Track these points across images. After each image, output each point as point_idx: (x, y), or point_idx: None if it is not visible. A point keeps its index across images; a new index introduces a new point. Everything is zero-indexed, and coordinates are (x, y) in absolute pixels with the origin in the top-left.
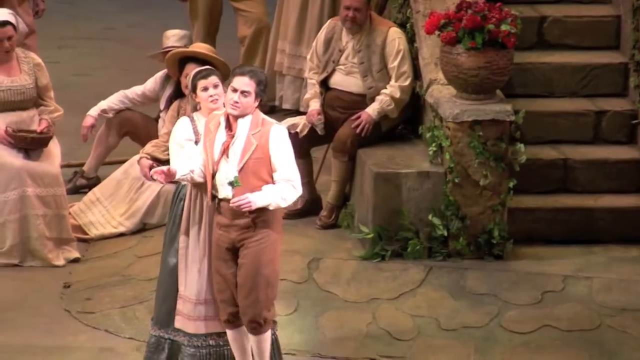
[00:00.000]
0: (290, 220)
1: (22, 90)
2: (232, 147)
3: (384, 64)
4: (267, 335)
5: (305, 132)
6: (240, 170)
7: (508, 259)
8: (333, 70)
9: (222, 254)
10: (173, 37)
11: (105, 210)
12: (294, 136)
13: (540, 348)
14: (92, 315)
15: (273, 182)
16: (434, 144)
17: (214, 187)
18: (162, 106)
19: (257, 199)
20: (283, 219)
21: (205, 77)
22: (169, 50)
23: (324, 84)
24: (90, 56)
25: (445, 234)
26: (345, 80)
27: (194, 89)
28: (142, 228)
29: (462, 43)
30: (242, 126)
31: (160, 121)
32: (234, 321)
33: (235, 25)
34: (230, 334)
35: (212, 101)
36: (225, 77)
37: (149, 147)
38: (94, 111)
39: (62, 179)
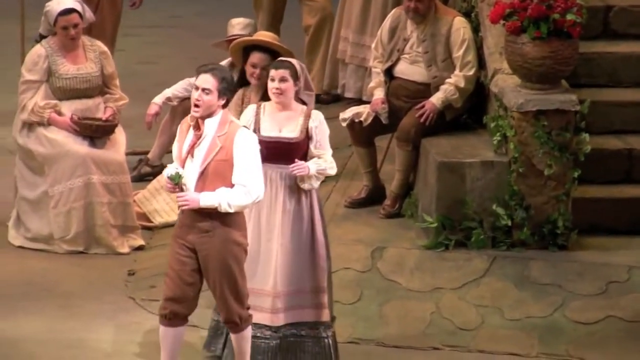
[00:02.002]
0: (354, 209)
1: (88, 78)
2: (198, 147)
3: (448, 53)
4: (246, 334)
5: (369, 121)
6: (203, 171)
7: (572, 249)
8: (398, 59)
9: (180, 251)
10: (238, 26)
11: (170, 198)
12: (358, 125)
13: (604, 339)
14: (157, 302)
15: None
16: (498, 134)
17: (180, 188)
18: None
19: (199, 199)
20: (346, 208)
21: (275, 67)
22: (234, 39)
23: (389, 72)
24: (156, 44)
25: (509, 223)
26: (410, 70)
27: (267, 75)
28: None
29: (527, 32)
30: (209, 127)
31: None
32: (172, 318)
33: (299, 14)
34: (163, 331)
35: (273, 93)
36: None
37: None
38: (158, 99)
39: (126, 166)
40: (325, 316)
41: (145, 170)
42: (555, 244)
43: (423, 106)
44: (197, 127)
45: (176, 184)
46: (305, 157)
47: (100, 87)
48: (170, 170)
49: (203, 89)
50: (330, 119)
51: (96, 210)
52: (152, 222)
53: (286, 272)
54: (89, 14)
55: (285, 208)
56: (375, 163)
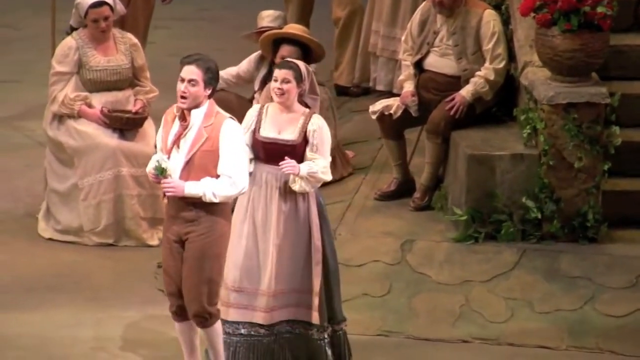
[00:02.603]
0: (384, 202)
1: (118, 71)
2: (184, 138)
3: (478, 46)
4: (216, 329)
5: (399, 114)
6: (188, 161)
7: (602, 242)
8: (427, 52)
9: (170, 246)
10: (267, 18)
11: None
12: (387, 117)
13: (634, 332)
14: None
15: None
16: (528, 127)
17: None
18: (256, 87)
19: (184, 187)
20: (376, 200)
21: (279, 67)
22: (263, 31)
23: (418, 65)
24: (185, 37)
25: (539, 216)
26: (440, 62)
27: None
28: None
29: (558, 25)
30: (196, 117)
31: (254, 102)
32: (181, 314)
33: (329, 7)
34: (177, 326)
35: (275, 93)
36: (320, 58)
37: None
38: None
39: None
40: (316, 319)
41: None
42: (585, 236)
43: (453, 99)
44: (183, 117)
45: (161, 174)
46: (302, 161)
47: (130, 80)
48: (155, 161)
49: (189, 81)
50: (360, 112)
51: (126, 202)
52: None
53: (281, 272)
54: (120, 7)
55: (280, 209)
56: (405, 156)
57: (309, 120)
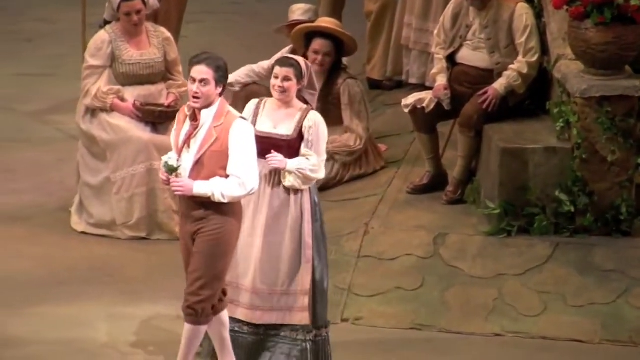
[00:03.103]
0: (416, 195)
1: (151, 64)
2: (194, 137)
3: (511, 39)
4: (201, 330)
5: (431, 107)
6: (197, 161)
7: (636, 235)
8: (460, 46)
9: (185, 243)
10: (298, 11)
11: None
12: (420, 111)
13: None
14: None
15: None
16: (561, 120)
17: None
18: None
19: (193, 186)
20: (408, 194)
21: (280, 65)
22: (294, 24)
23: (451, 59)
24: (217, 31)
25: (572, 210)
26: (472, 56)
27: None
28: None
29: (591, 18)
30: (206, 117)
31: None
32: None
33: (361, 0)
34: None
35: (275, 90)
36: (352, 52)
37: None
38: None
39: None
40: (305, 320)
41: None
42: (619, 230)
43: (486, 92)
44: (194, 117)
45: (171, 173)
46: (296, 156)
47: (163, 73)
48: (166, 160)
49: (200, 80)
50: (393, 105)
51: (158, 196)
52: None
53: (266, 269)
54: (152, 1)
55: (271, 205)
56: (438, 149)
57: (306, 116)
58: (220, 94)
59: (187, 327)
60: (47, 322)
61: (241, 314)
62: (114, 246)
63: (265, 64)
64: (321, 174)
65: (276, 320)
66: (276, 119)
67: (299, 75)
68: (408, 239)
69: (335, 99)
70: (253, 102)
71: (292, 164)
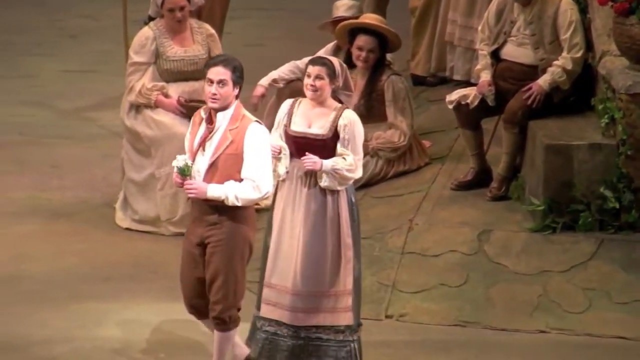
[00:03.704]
0: (460, 192)
1: (195, 61)
2: (210, 140)
3: (555, 35)
4: (231, 335)
5: (475, 104)
6: (212, 164)
7: None
8: (504, 42)
9: (189, 249)
10: (342, 7)
11: (277, 180)
12: (464, 107)
13: None
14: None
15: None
16: (606, 116)
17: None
18: None
19: (207, 189)
20: (453, 190)
21: (313, 64)
22: (338, 20)
23: (495, 55)
24: (262, 27)
25: (617, 206)
26: (517, 52)
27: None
28: None
29: (636, 14)
30: (222, 120)
31: None
32: (199, 315)
33: None
34: (203, 323)
35: (307, 89)
36: (396, 48)
37: None
38: (264, 81)
39: None
40: (349, 319)
41: None
42: None
43: (530, 88)
44: (210, 120)
45: (185, 176)
46: (332, 156)
47: None
48: (179, 162)
49: (218, 82)
50: (437, 102)
51: None
52: (258, 204)
53: (307, 271)
54: None
55: (308, 206)
56: (482, 145)
57: (341, 114)
58: (237, 96)
59: (217, 334)
60: (92, 318)
61: (282, 316)
62: (158, 242)
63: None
64: (358, 174)
65: (319, 322)
66: (311, 118)
67: (332, 75)
68: (452, 236)
69: (379, 95)
70: (288, 102)
71: (327, 164)
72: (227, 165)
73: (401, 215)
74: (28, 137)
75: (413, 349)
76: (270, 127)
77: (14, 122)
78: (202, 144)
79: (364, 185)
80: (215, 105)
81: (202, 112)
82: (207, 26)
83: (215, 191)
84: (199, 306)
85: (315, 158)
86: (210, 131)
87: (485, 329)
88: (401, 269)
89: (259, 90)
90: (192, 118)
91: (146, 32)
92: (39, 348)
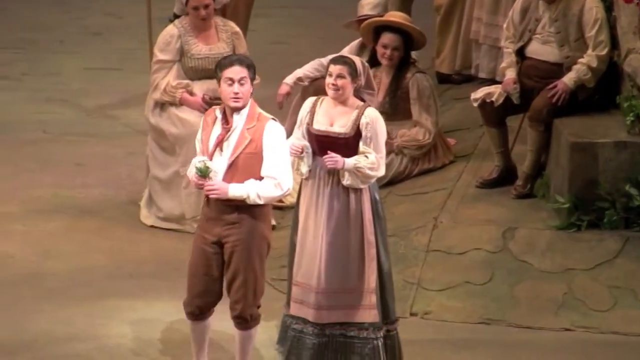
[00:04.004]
0: (485, 189)
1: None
2: (227, 140)
3: (581, 33)
4: (252, 334)
5: (500, 101)
6: (231, 165)
7: None
8: (529, 39)
9: (203, 247)
10: (367, 6)
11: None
12: (489, 105)
13: None
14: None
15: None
16: (631, 114)
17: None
18: None
19: (229, 189)
20: (477, 188)
21: (334, 62)
22: (364, 19)
23: (520, 52)
24: (287, 25)
25: None
26: (542, 49)
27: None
28: None
29: None
30: (238, 120)
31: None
32: (199, 314)
33: None
34: (194, 325)
35: (329, 88)
36: (422, 46)
37: None
38: (289, 79)
39: None
40: (374, 317)
41: None
42: None
43: (555, 86)
44: (226, 120)
45: (205, 177)
46: (355, 154)
47: None
48: (198, 163)
49: (239, 80)
50: (462, 99)
51: None
52: (282, 202)
53: (331, 270)
54: None
55: (331, 205)
56: (507, 143)
57: (363, 112)
58: (251, 94)
59: (239, 333)
60: (116, 315)
61: (307, 314)
62: (183, 240)
63: None
64: (381, 172)
65: (341, 318)
66: (333, 117)
67: (354, 74)
68: (477, 233)
69: (404, 93)
70: (310, 100)
71: (349, 162)
72: (247, 165)
73: (426, 213)
74: (52, 135)
75: (438, 347)
76: (294, 126)
77: (39, 119)
78: (219, 145)
79: (388, 183)
80: (239, 104)
81: (216, 112)
82: (232, 24)
83: (236, 191)
84: (202, 305)
85: (337, 157)
86: (227, 131)
87: (510, 327)
88: (426, 266)
89: (283, 89)
90: (204, 118)
91: (171, 30)
92: (62, 345)
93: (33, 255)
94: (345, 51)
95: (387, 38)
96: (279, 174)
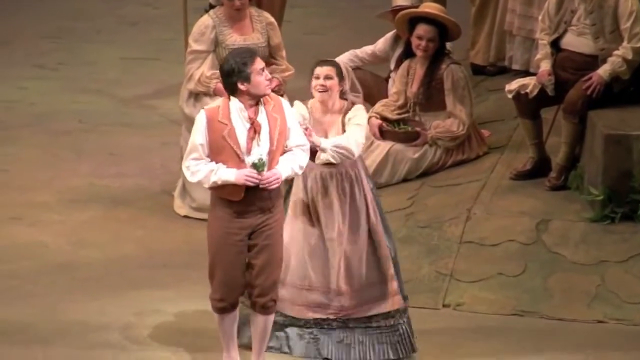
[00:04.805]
0: (519, 181)
1: (254, 49)
2: (260, 131)
3: (616, 25)
4: (272, 317)
5: (535, 93)
6: (275, 149)
7: None
8: (565, 31)
9: (236, 240)
10: None
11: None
12: (524, 96)
13: None
14: None
15: (285, 149)
16: None
17: None
18: (392, 66)
19: (282, 172)
20: (511, 180)
21: (320, 65)
22: (398, 10)
23: (555, 44)
24: (321, 16)
25: None
26: (577, 41)
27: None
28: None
29: None
30: (260, 107)
31: (390, 81)
32: (229, 307)
33: None
34: (224, 319)
35: (317, 90)
36: (456, 37)
37: (378, 107)
38: None
39: None
40: (398, 303)
41: None
42: None
43: (590, 78)
44: (250, 112)
45: (260, 171)
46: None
47: (266, 58)
48: (253, 157)
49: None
50: (496, 91)
51: None
52: None
53: (349, 270)
54: None
55: (341, 205)
56: (541, 135)
57: (349, 109)
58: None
59: (263, 319)
60: (148, 305)
61: (332, 314)
62: None
63: (369, 49)
64: (355, 150)
65: (367, 313)
66: (325, 128)
67: (340, 75)
68: (510, 225)
69: (438, 84)
70: (303, 106)
71: (326, 142)
72: (280, 143)
73: (459, 204)
74: (87, 125)
75: (470, 338)
76: None
77: (74, 109)
78: (254, 137)
79: (422, 174)
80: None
81: (231, 107)
82: (267, 14)
83: (286, 172)
84: (234, 298)
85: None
86: (253, 122)
87: (543, 319)
88: (459, 258)
89: None
90: (211, 120)
91: (206, 20)
92: (95, 335)
93: (67, 245)
94: (380, 43)
95: (422, 29)
96: (304, 140)
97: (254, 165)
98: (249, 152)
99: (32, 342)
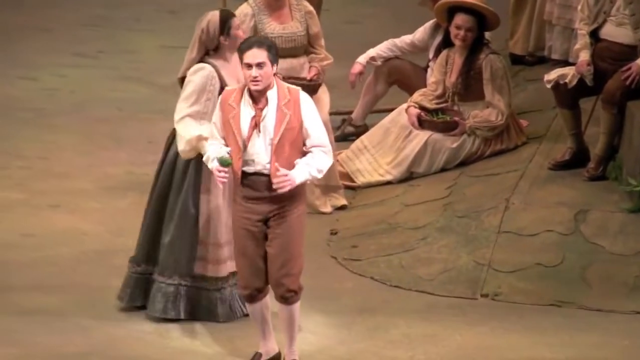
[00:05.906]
0: (558, 171)
1: (293, 38)
2: (263, 121)
3: None
4: (298, 305)
5: (574, 83)
6: (278, 143)
7: None
8: (604, 21)
9: (251, 227)
10: None
11: (373, 158)
12: (562, 86)
13: None
14: (358, 262)
15: (305, 149)
16: None
17: (244, 162)
18: (430, 55)
19: (297, 177)
20: (550, 170)
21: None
22: None
23: (594, 34)
24: (361, 4)
25: None
26: (616, 32)
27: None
28: (408, 177)
29: None
30: (271, 98)
31: (428, 70)
32: (256, 295)
33: None
34: (254, 307)
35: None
36: (495, 27)
37: (417, 96)
38: (362, 59)
39: (330, 126)
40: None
41: (349, 130)
42: None
43: (629, 68)
44: (256, 101)
45: (227, 166)
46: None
47: (305, 47)
48: (224, 154)
49: (257, 64)
50: (535, 81)
51: None
52: (354, 182)
53: None
54: None
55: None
56: (580, 125)
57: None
58: (275, 73)
59: (285, 308)
60: None
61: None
62: None
63: (408, 38)
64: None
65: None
66: None
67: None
68: (549, 215)
69: (477, 73)
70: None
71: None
72: (291, 140)
73: (498, 194)
74: (126, 113)
75: (508, 329)
76: (368, 105)
77: (113, 97)
78: (256, 126)
79: (460, 164)
80: (258, 87)
81: (245, 94)
82: (306, 3)
83: (301, 176)
84: (260, 285)
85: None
86: (261, 110)
87: (581, 310)
88: (497, 248)
89: (356, 68)
90: (226, 103)
91: (245, 8)
92: (133, 322)
93: (106, 232)
94: (419, 32)
95: (460, 19)
96: (325, 141)
97: (219, 161)
98: (249, 140)
99: (71, 329)
